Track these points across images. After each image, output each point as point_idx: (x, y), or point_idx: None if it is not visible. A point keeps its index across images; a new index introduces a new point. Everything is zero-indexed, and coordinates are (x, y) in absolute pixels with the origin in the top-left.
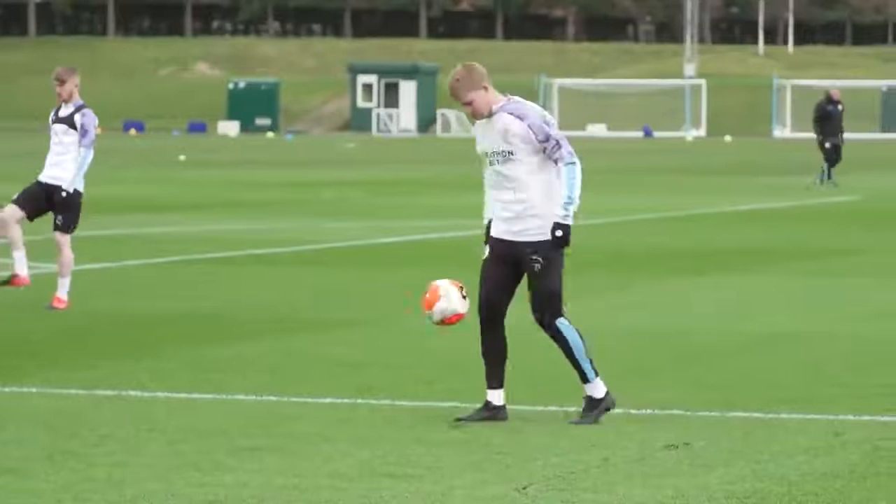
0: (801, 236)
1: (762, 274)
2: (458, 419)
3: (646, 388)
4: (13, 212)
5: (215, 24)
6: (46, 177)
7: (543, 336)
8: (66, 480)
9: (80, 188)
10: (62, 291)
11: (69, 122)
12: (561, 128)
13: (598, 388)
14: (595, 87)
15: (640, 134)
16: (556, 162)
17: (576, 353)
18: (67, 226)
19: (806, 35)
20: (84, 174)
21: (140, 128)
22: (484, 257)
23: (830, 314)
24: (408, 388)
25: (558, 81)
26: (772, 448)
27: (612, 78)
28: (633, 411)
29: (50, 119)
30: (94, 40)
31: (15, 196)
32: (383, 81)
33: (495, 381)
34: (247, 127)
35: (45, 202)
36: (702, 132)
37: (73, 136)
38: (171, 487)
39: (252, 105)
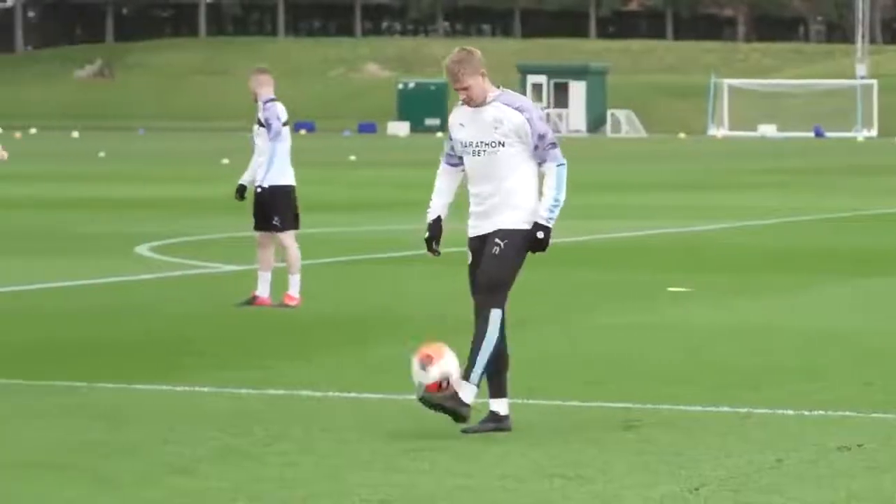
0: None
1: None
2: (465, 430)
3: (819, 388)
4: (259, 237)
5: (385, 24)
6: (257, 181)
7: (720, 338)
8: (238, 480)
9: (284, 182)
10: (293, 289)
11: (259, 121)
12: (731, 128)
13: (469, 393)
14: (766, 87)
15: (810, 134)
16: (544, 161)
17: (484, 348)
18: (284, 224)
19: None
20: (278, 167)
21: (311, 128)
22: (469, 262)
23: None
24: (577, 389)
25: (728, 82)
26: None
27: (783, 78)
28: (806, 412)
29: None
30: (264, 41)
31: (253, 223)
32: (553, 82)
33: (497, 389)
34: (416, 127)
35: (264, 205)
36: (873, 132)
37: (263, 136)
38: (342, 487)
39: (422, 105)
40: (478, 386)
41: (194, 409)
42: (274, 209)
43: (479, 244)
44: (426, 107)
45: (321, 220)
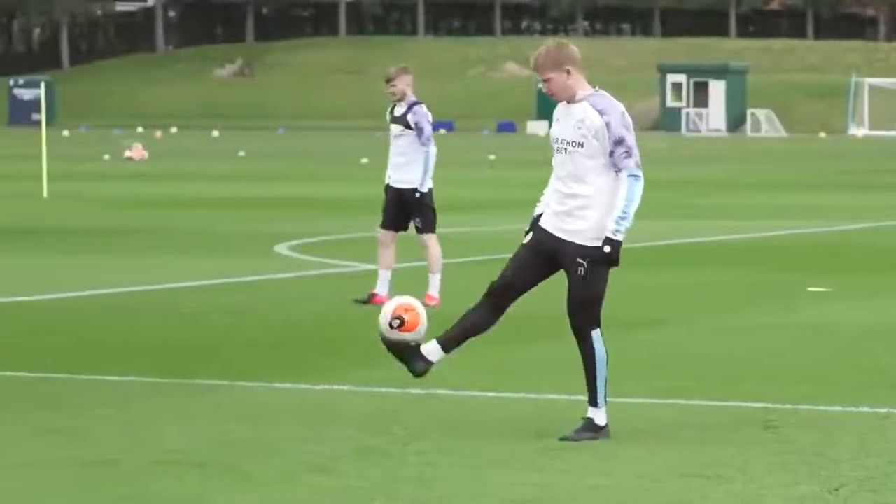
0: None
1: None
2: (563, 438)
3: None
4: (384, 236)
5: (524, 23)
6: (392, 180)
7: (860, 338)
8: (376, 478)
9: (431, 185)
10: (433, 289)
11: (403, 121)
12: (871, 128)
13: (602, 416)
14: None
15: None
16: (618, 170)
17: (598, 369)
18: (426, 226)
19: None
20: (432, 170)
21: (449, 127)
22: (523, 242)
23: None
24: (716, 389)
25: (869, 81)
26: None
27: None
28: None
29: (387, 117)
30: (404, 40)
31: (381, 220)
32: (693, 81)
33: (451, 343)
34: None
35: (401, 207)
36: None
37: (407, 137)
38: (481, 486)
39: None
40: (605, 405)
41: (333, 407)
42: (417, 211)
43: (550, 242)
44: None
45: (461, 219)
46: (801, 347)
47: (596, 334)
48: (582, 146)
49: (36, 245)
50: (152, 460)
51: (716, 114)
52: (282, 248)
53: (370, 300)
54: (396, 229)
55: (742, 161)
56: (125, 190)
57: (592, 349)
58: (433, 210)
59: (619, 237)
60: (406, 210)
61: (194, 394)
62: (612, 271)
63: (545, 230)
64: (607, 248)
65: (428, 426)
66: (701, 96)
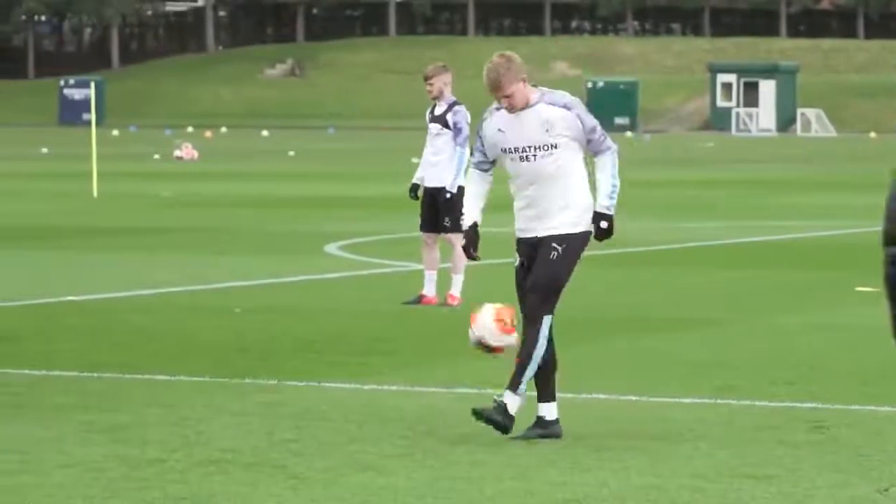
0: None
1: None
2: (515, 437)
3: None
4: (426, 238)
5: (574, 23)
6: (427, 180)
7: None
8: (425, 478)
9: (463, 185)
10: (455, 289)
11: (442, 121)
12: None
13: (516, 404)
14: None
15: None
16: (599, 152)
17: (534, 356)
18: (455, 226)
19: None
20: (464, 172)
21: None
22: (515, 265)
23: None
24: (767, 389)
25: None
26: None
27: None
28: None
29: (426, 117)
30: (454, 40)
31: (420, 223)
32: (742, 80)
33: (546, 393)
34: (606, 126)
35: (435, 208)
36: None
37: (444, 137)
38: (529, 486)
39: (611, 104)
40: (523, 394)
41: (382, 407)
42: (449, 210)
43: (531, 249)
44: (616, 105)
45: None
46: (850, 347)
47: (547, 322)
48: (556, 147)
49: (86, 244)
50: (202, 460)
51: (766, 114)
52: (332, 248)
53: (419, 301)
54: (437, 231)
55: (792, 161)
56: (175, 189)
57: (536, 337)
58: (462, 210)
59: (613, 211)
60: (439, 210)
61: (244, 393)
62: (667, 272)
63: (524, 241)
64: (604, 224)
65: (477, 425)
66: (751, 96)
